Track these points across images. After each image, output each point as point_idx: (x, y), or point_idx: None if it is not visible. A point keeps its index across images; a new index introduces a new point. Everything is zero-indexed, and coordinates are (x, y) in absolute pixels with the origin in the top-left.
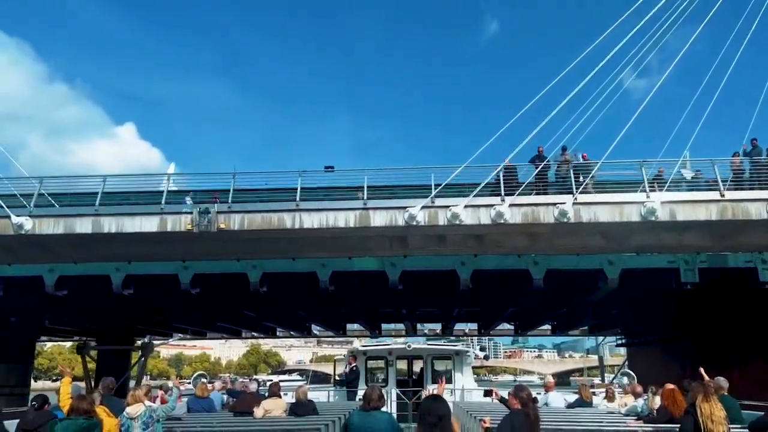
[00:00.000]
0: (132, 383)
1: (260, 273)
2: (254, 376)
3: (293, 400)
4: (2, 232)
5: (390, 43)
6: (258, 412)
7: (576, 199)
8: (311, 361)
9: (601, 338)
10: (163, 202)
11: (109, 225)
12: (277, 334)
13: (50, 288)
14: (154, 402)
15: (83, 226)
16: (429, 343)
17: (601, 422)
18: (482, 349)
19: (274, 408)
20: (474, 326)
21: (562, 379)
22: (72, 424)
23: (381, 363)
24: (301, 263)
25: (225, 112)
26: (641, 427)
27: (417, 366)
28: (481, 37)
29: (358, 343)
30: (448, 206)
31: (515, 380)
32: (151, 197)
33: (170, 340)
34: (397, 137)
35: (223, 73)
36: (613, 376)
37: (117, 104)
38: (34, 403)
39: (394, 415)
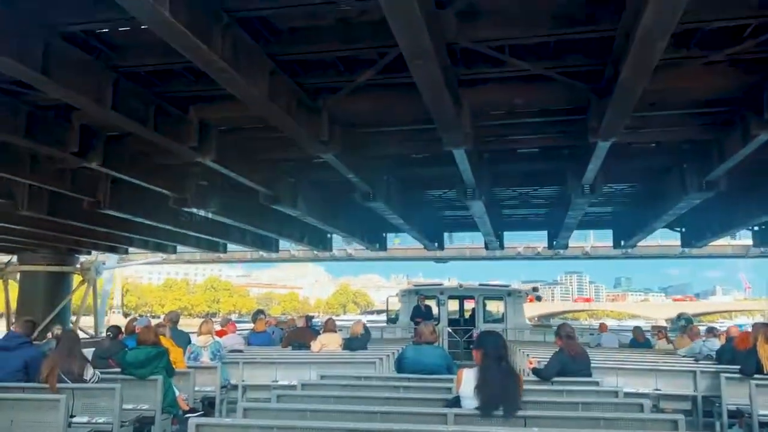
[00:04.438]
0: (74, 317)
1: None
2: (342, 316)
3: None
4: None
5: None
6: (315, 345)
7: None
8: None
9: None
10: None
11: None
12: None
13: None
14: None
15: None
16: (481, 283)
17: (656, 362)
18: (534, 290)
19: (330, 342)
20: (607, 236)
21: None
22: (141, 352)
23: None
24: None
25: None
26: (699, 366)
27: (469, 306)
28: None
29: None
30: None
31: (618, 325)
32: None
33: (140, 261)
34: None
35: None
36: None
37: None
38: (109, 333)
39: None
